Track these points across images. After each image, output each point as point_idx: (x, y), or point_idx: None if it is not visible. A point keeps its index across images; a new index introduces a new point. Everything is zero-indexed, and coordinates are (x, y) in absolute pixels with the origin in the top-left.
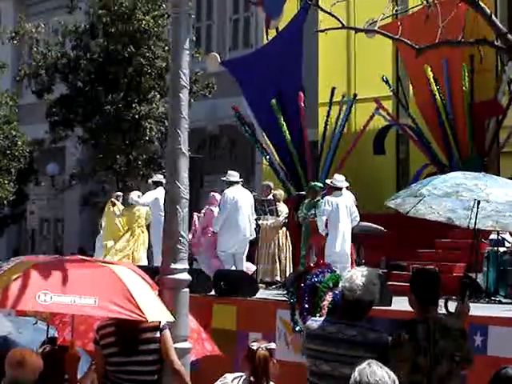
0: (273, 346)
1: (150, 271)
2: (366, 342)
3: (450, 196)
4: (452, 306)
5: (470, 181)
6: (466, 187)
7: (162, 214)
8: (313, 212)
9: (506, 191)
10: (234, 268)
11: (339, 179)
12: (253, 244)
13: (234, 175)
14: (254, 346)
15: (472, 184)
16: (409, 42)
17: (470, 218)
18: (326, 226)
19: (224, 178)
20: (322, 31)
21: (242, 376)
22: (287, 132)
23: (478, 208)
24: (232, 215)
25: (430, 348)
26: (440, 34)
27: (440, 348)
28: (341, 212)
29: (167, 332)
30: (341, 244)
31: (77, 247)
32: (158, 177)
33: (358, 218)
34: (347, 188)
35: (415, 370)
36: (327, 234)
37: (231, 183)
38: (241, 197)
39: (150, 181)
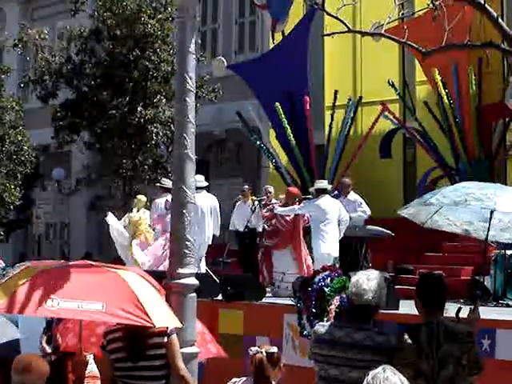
0: (274, 349)
1: (158, 276)
2: (374, 346)
3: (457, 204)
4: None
5: (479, 190)
6: (474, 196)
7: None
8: None
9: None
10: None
11: (321, 182)
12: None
13: (199, 180)
14: (252, 350)
15: (480, 193)
16: (415, 45)
17: (488, 230)
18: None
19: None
20: (328, 35)
21: (247, 380)
22: (291, 135)
23: (491, 217)
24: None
25: (433, 352)
26: (446, 37)
27: (444, 352)
28: (328, 214)
29: (174, 337)
30: (327, 246)
31: (83, 252)
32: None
33: (346, 219)
34: (354, 191)
35: (418, 375)
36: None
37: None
38: (202, 202)
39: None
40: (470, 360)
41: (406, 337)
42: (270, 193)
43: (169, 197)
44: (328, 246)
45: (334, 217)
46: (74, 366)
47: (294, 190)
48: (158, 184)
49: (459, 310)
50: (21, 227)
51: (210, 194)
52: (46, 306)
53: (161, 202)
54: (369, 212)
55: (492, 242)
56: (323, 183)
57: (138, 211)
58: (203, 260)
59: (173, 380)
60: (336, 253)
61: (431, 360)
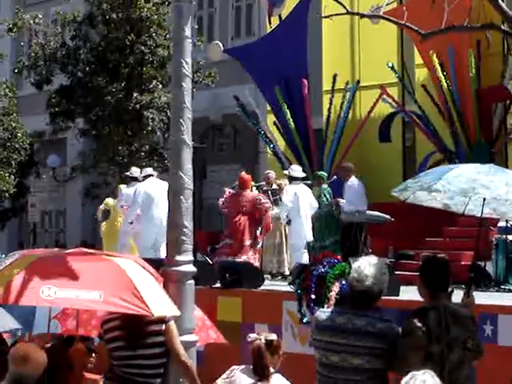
0: (273, 336)
1: (155, 263)
2: (376, 332)
3: (466, 192)
4: (457, 296)
5: (484, 176)
6: (481, 183)
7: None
8: (323, 201)
9: None
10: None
11: (296, 169)
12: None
13: (146, 170)
14: (251, 337)
15: (487, 180)
16: (414, 27)
17: (467, 204)
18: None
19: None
20: (326, 17)
21: (246, 367)
22: (291, 120)
23: (483, 204)
24: (146, 208)
25: (443, 335)
26: (446, 19)
27: (453, 335)
28: (301, 201)
29: (172, 324)
30: (305, 230)
31: (79, 240)
32: (147, 170)
33: (315, 206)
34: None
35: (428, 359)
36: (288, 222)
37: (144, 177)
38: (153, 189)
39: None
40: (475, 344)
41: (415, 320)
42: (269, 178)
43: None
44: (303, 232)
45: (305, 203)
46: (73, 354)
47: (246, 176)
48: (127, 173)
49: (451, 292)
50: (16, 215)
51: (161, 180)
52: (42, 295)
53: (128, 191)
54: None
55: (493, 227)
56: (298, 171)
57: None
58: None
59: (172, 366)
60: (309, 237)
61: (441, 343)
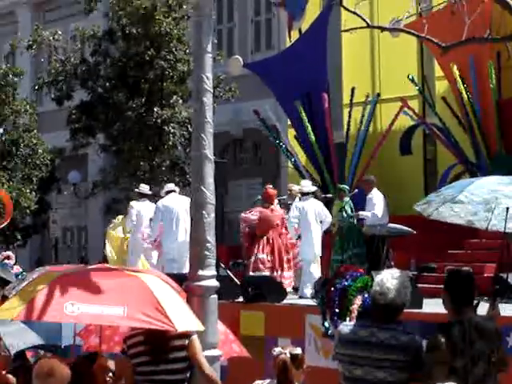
0: (298, 351)
1: (178, 278)
2: (399, 345)
3: (489, 203)
4: (483, 308)
5: (507, 186)
6: (504, 194)
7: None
8: (343, 214)
9: None
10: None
11: (305, 184)
12: None
13: (168, 186)
14: (276, 351)
15: (509, 190)
16: (434, 39)
17: (490, 220)
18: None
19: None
20: (346, 31)
21: (270, 382)
22: (312, 133)
23: (507, 213)
24: (167, 223)
25: (467, 349)
26: (466, 31)
27: (477, 349)
28: (309, 216)
29: (195, 338)
30: (314, 246)
31: (101, 256)
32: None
33: (328, 220)
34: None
35: (452, 373)
36: (298, 238)
37: (166, 193)
38: (175, 204)
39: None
40: (498, 357)
41: (440, 335)
42: (291, 191)
43: (147, 203)
44: (313, 247)
45: (313, 218)
46: (96, 370)
47: (271, 191)
48: (136, 190)
49: (477, 304)
50: (37, 232)
51: (182, 196)
52: (66, 311)
53: (137, 207)
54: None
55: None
56: (308, 186)
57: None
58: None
59: (196, 382)
60: (319, 252)
61: (465, 358)
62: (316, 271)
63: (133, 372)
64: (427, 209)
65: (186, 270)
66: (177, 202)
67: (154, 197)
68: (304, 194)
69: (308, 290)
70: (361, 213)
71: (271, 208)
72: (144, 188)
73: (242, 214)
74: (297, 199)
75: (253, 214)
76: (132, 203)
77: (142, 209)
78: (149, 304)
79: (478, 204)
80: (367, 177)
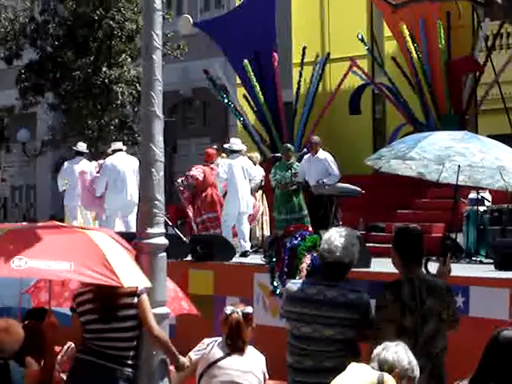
0: (249, 309)
1: (127, 236)
2: (347, 303)
3: (442, 160)
4: (432, 266)
5: (459, 143)
6: (456, 151)
7: None
8: (288, 174)
9: (496, 155)
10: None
11: (236, 142)
12: None
13: (116, 144)
14: (228, 310)
15: (462, 147)
16: None
17: (441, 172)
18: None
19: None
20: None
21: (218, 340)
22: (260, 93)
23: (458, 171)
24: (113, 181)
25: (417, 307)
26: None
27: (427, 307)
28: (236, 173)
29: (145, 297)
30: (240, 202)
31: (49, 214)
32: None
33: (257, 179)
34: (323, 149)
35: (402, 331)
36: (225, 194)
37: (113, 151)
38: (122, 164)
39: (109, 150)
40: (450, 314)
41: (389, 293)
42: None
43: (87, 162)
44: (238, 203)
45: (240, 175)
46: (45, 327)
47: (211, 151)
48: (74, 148)
49: (427, 261)
50: None
51: (130, 156)
52: (13, 265)
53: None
54: (338, 174)
55: (464, 198)
56: (238, 144)
57: None
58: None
59: (145, 339)
60: (246, 208)
61: (415, 316)
62: (244, 225)
63: (81, 329)
64: (378, 162)
65: (132, 227)
66: (124, 162)
67: (101, 154)
68: (233, 152)
69: (247, 244)
70: (325, 180)
71: (211, 167)
72: (80, 146)
73: (188, 172)
74: (255, 156)
75: (197, 170)
76: (106, 160)
77: (116, 162)
78: (96, 260)
79: (430, 161)
80: (313, 138)
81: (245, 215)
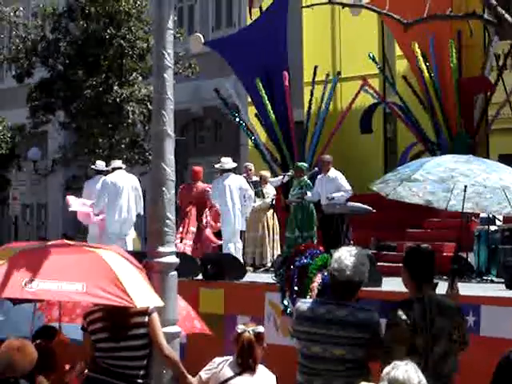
0: (260, 329)
1: (138, 255)
2: (357, 322)
3: (445, 181)
4: (441, 288)
5: (463, 165)
6: (460, 172)
7: None
8: (300, 191)
9: (499, 176)
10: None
11: (226, 161)
12: None
13: (115, 162)
14: (240, 328)
15: (466, 168)
16: (396, 16)
17: (449, 200)
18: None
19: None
20: (307, 7)
21: (229, 359)
22: (271, 112)
23: (465, 192)
24: (112, 199)
25: (428, 327)
26: (428, 9)
27: (437, 327)
28: (227, 193)
29: (155, 316)
30: (233, 221)
31: (60, 233)
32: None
33: (252, 197)
34: (334, 168)
35: (412, 351)
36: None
37: (113, 169)
38: (122, 181)
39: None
40: (460, 335)
41: (400, 312)
42: (250, 170)
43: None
44: (233, 221)
45: (235, 195)
46: (55, 345)
47: (197, 168)
48: (92, 166)
49: (435, 285)
50: None
51: (129, 174)
52: (24, 287)
53: (90, 184)
54: (350, 190)
55: (475, 218)
56: (229, 162)
57: None
58: (130, 238)
59: (156, 358)
60: (241, 227)
61: (426, 335)
62: (232, 248)
63: (92, 348)
64: (384, 188)
65: (128, 247)
66: (124, 179)
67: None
68: (225, 171)
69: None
70: (334, 195)
71: (197, 185)
72: (100, 165)
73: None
74: (265, 174)
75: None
76: (106, 177)
77: (116, 180)
78: (108, 280)
79: (435, 182)
80: (322, 156)
81: (237, 232)
